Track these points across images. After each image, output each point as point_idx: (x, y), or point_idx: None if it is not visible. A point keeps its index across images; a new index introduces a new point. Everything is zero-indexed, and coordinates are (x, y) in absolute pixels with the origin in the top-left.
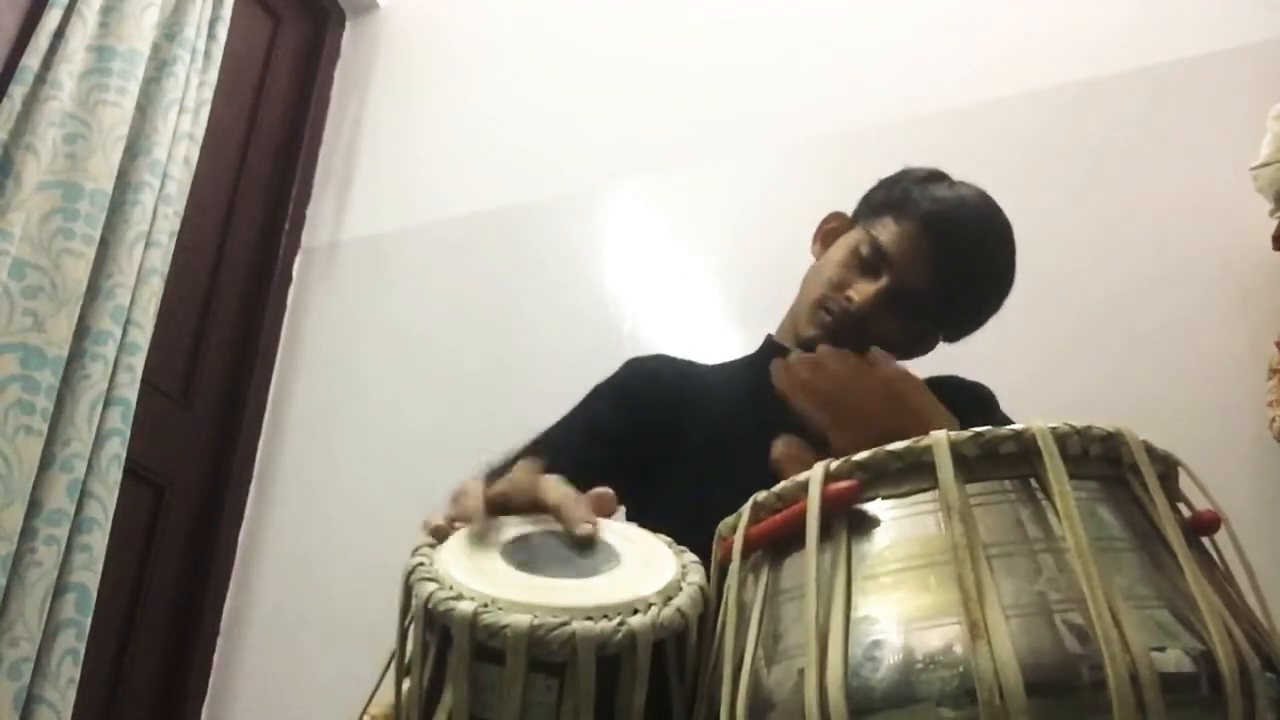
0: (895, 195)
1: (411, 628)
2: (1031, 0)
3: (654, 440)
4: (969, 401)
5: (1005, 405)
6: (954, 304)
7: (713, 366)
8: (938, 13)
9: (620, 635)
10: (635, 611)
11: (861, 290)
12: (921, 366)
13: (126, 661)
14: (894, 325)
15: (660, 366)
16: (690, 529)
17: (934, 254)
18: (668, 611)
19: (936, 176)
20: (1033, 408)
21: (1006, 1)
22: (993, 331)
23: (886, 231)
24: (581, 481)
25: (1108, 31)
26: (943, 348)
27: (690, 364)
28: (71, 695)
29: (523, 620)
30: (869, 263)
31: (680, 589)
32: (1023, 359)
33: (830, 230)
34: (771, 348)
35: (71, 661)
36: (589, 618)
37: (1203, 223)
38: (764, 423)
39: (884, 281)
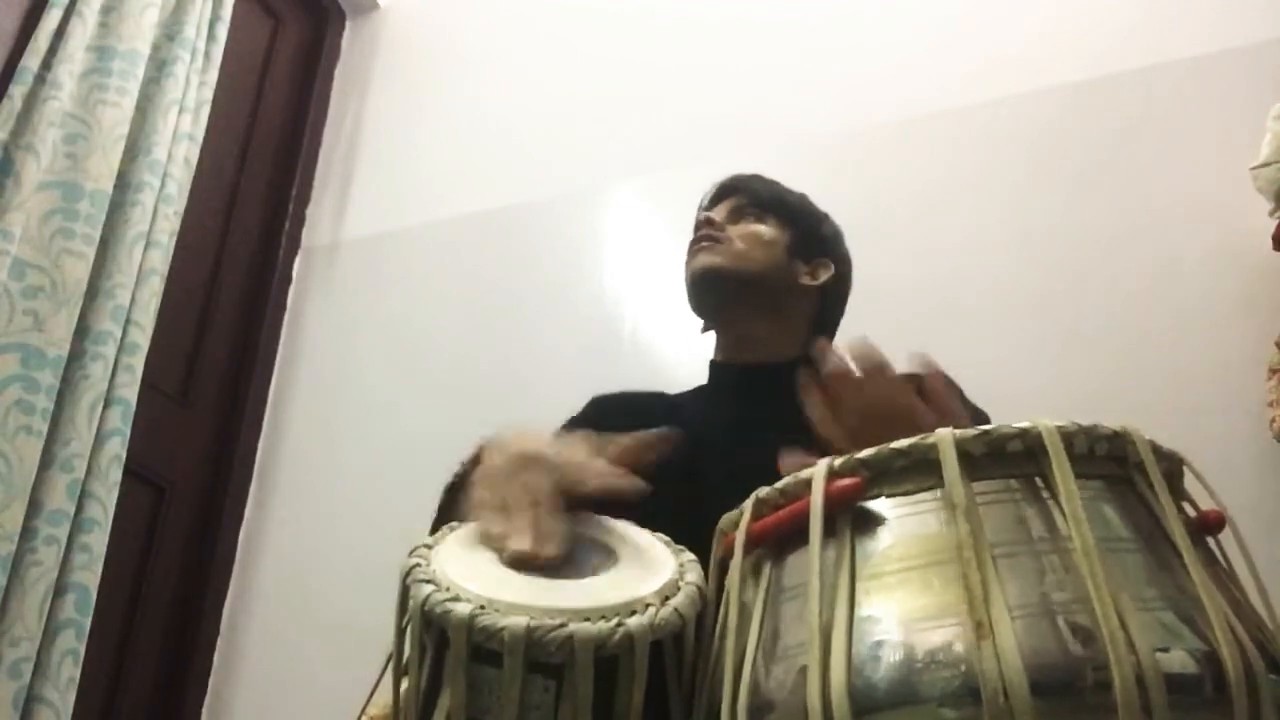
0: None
1: (409, 629)
2: (1031, 0)
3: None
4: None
5: (1006, 405)
6: (761, 198)
7: (675, 396)
8: (938, 13)
9: (618, 636)
10: (633, 612)
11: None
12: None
13: (126, 661)
14: (745, 226)
15: (628, 399)
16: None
17: (732, 183)
18: (665, 612)
19: None
20: (1033, 407)
21: (1006, 1)
22: (994, 331)
23: (700, 214)
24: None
25: (1108, 31)
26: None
27: (654, 395)
28: (71, 695)
29: (520, 622)
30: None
31: (678, 589)
32: (1023, 358)
33: None
34: (715, 369)
35: (71, 661)
36: (586, 619)
37: (1203, 223)
38: (734, 447)
39: (717, 205)
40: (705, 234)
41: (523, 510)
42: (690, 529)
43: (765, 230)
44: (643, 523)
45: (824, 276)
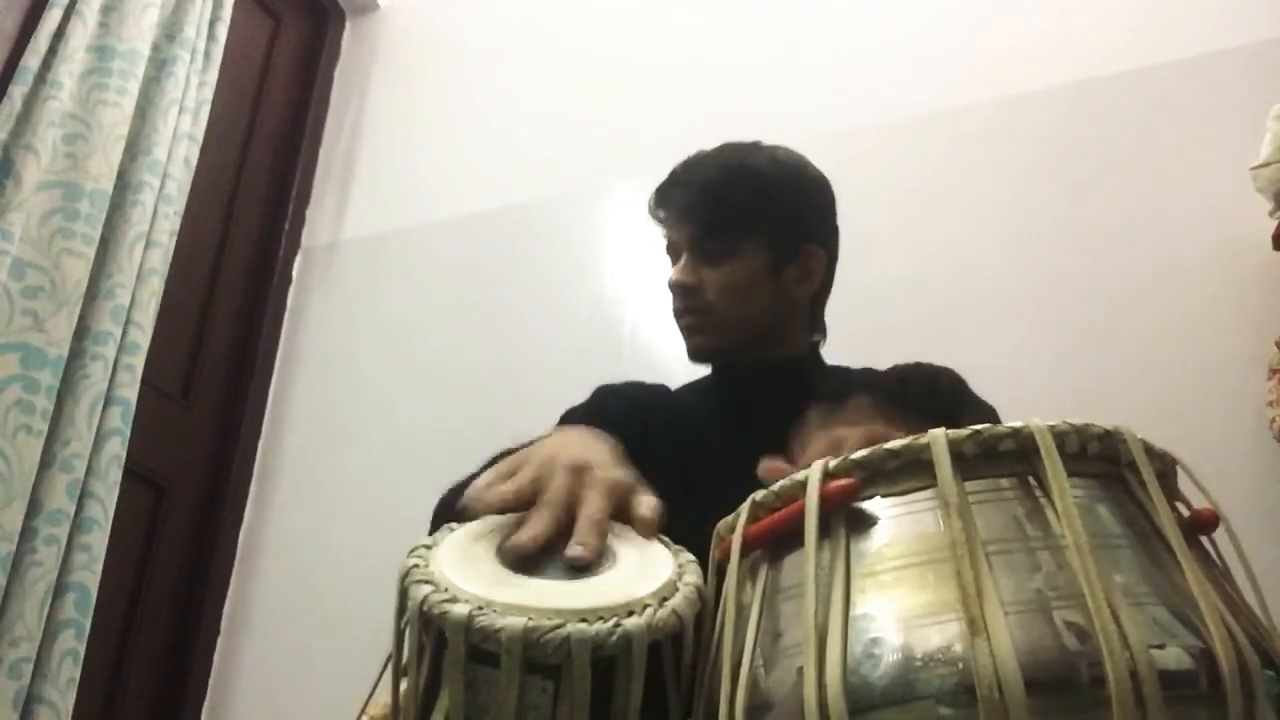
0: (649, 205)
1: (407, 629)
2: (1031, 0)
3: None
4: (941, 390)
5: (1006, 405)
6: (735, 218)
7: (678, 391)
8: (938, 13)
9: (615, 637)
10: (631, 613)
11: (670, 277)
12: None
13: (126, 661)
14: (720, 275)
15: (630, 390)
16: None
17: (679, 206)
18: (663, 613)
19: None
20: (1033, 407)
21: (1006, 1)
22: (994, 331)
23: (664, 232)
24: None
25: (1108, 31)
26: (942, 350)
27: (657, 388)
28: (71, 695)
29: (517, 623)
30: (673, 256)
31: (676, 589)
32: (1023, 358)
33: None
34: (719, 368)
35: (71, 661)
36: (584, 620)
37: (1203, 223)
38: (736, 446)
39: (684, 255)
40: (685, 312)
41: (555, 505)
42: (692, 528)
43: (741, 271)
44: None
45: (816, 268)
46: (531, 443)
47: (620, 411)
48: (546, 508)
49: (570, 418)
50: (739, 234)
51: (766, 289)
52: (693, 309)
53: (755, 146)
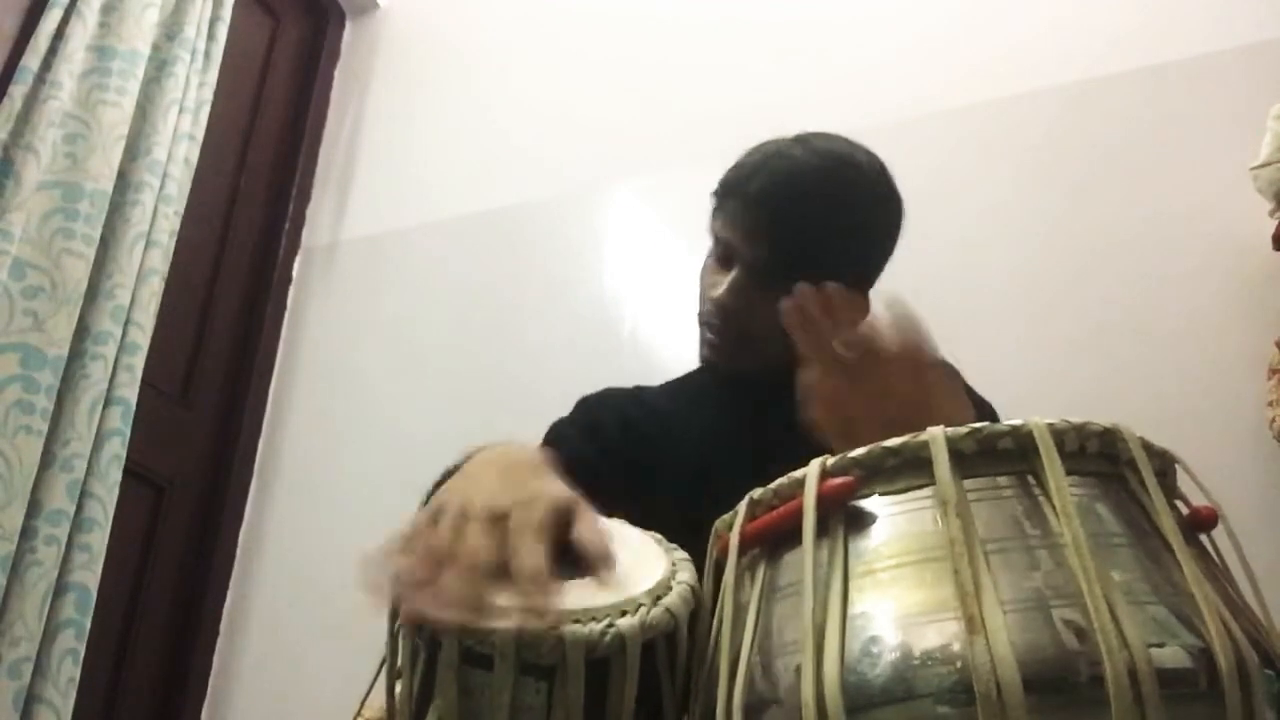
0: (716, 191)
1: (401, 632)
2: (1031, 0)
3: (624, 472)
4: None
5: (1006, 404)
6: (814, 259)
7: (663, 386)
8: (938, 13)
9: (609, 637)
10: (624, 613)
11: (718, 286)
12: None
13: (126, 661)
14: (770, 308)
15: (611, 396)
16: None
17: (760, 218)
18: (656, 612)
19: (767, 147)
20: (1033, 407)
21: (1006, 2)
22: (993, 331)
23: (721, 222)
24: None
25: (1108, 31)
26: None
27: (640, 390)
28: (71, 695)
29: (510, 625)
30: (722, 259)
31: (670, 588)
32: (1023, 358)
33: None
34: (714, 370)
35: (71, 661)
36: (577, 620)
37: (1203, 223)
38: (722, 439)
39: (735, 269)
40: (715, 330)
41: (478, 571)
42: (689, 530)
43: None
44: (642, 524)
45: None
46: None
47: (608, 420)
48: (472, 567)
49: (560, 430)
50: (812, 275)
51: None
52: (724, 333)
53: (860, 166)
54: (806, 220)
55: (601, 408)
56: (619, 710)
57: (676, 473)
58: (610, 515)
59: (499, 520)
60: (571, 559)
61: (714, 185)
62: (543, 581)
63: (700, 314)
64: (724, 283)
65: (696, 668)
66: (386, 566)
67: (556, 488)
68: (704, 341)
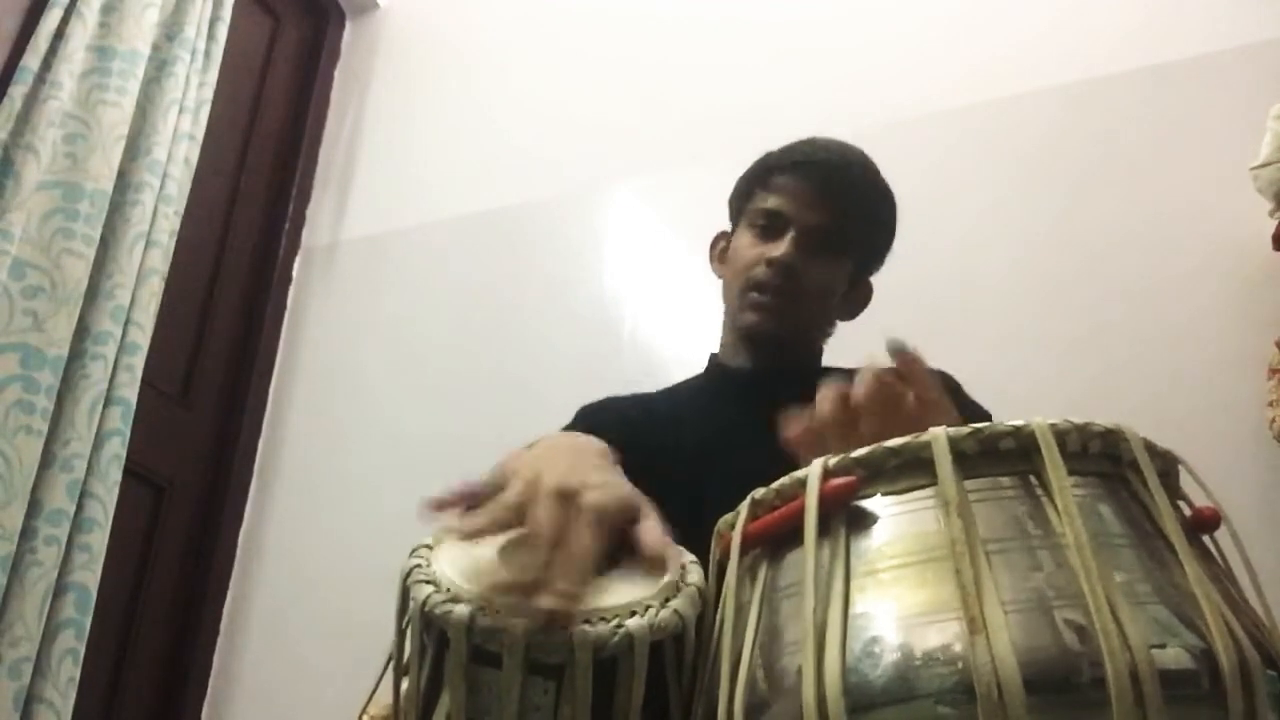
0: (754, 175)
1: (409, 629)
2: (1031, 0)
3: (624, 468)
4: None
5: (1007, 405)
6: (854, 227)
7: (661, 395)
8: (938, 13)
9: (617, 637)
10: (633, 613)
11: (775, 249)
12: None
13: (126, 661)
14: (820, 271)
15: (614, 406)
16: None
17: (817, 188)
18: (665, 613)
19: (799, 143)
20: (1033, 406)
21: (1006, 1)
22: (994, 331)
23: (769, 198)
24: None
25: (1108, 31)
26: (942, 349)
27: (639, 398)
28: (71, 695)
29: (519, 623)
30: (770, 229)
31: (678, 590)
32: (1024, 358)
33: (723, 246)
34: (718, 370)
35: (71, 661)
36: (586, 620)
37: (1203, 223)
38: (727, 443)
39: (791, 231)
40: (775, 291)
41: (542, 542)
42: (695, 531)
43: (836, 277)
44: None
45: (865, 298)
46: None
47: (608, 426)
48: (534, 545)
49: None
50: (848, 242)
51: (834, 301)
52: (784, 291)
53: (878, 170)
54: (851, 198)
55: (601, 413)
56: (626, 710)
57: (678, 474)
58: None
59: (567, 499)
60: (608, 559)
61: (735, 186)
62: (584, 570)
63: (746, 282)
64: (782, 244)
65: (701, 670)
66: (442, 517)
67: (625, 483)
68: (752, 306)
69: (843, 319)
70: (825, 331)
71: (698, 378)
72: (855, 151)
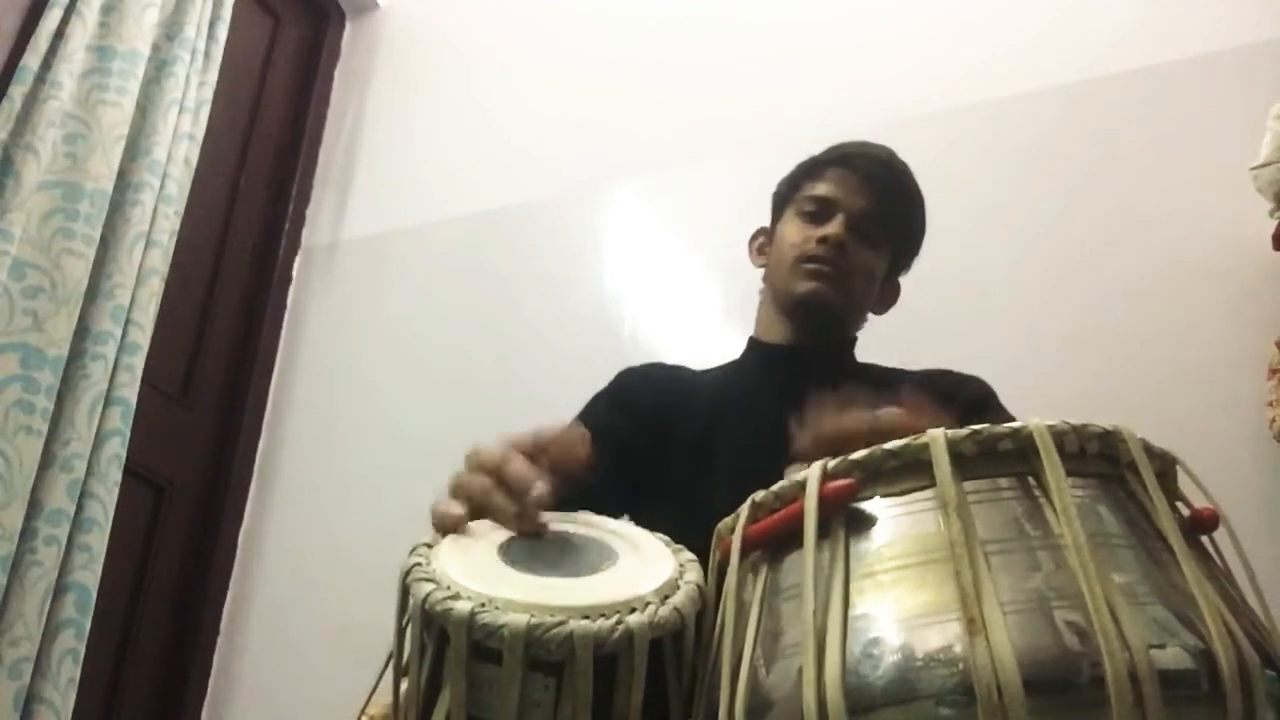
0: (801, 171)
1: (409, 627)
2: (1031, 0)
3: (655, 441)
4: (969, 395)
5: (1007, 404)
6: (896, 219)
7: (703, 371)
8: (938, 13)
9: (618, 634)
10: (632, 610)
11: (827, 229)
12: (923, 361)
13: (126, 661)
14: (866, 254)
15: (653, 371)
16: (691, 529)
17: (864, 178)
18: (665, 610)
19: (833, 146)
20: (1033, 407)
21: (1006, 1)
22: (993, 331)
23: (818, 186)
24: (584, 484)
25: (1108, 31)
26: (943, 349)
27: (681, 369)
28: (71, 695)
29: (520, 620)
30: (818, 214)
31: (678, 588)
32: (1024, 358)
33: (762, 241)
34: (757, 347)
35: (71, 661)
36: (586, 617)
37: (1203, 223)
38: (760, 424)
39: (840, 215)
40: (830, 263)
41: (487, 490)
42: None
43: (879, 262)
44: (656, 504)
45: (894, 297)
46: None
47: (643, 395)
48: (481, 489)
49: (598, 399)
50: (889, 235)
51: (872, 290)
52: (835, 264)
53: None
54: (894, 191)
55: (634, 374)
56: (626, 708)
57: (702, 441)
58: (633, 482)
59: (491, 451)
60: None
61: (779, 185)
62: (525, 489)
63: (799, 257)
64: (833, 225)
65: (701, 668)
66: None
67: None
68: (808, 275)
69: (876, 313)
70: (861, 319)
71: (736, 360)
72: (895, 156)
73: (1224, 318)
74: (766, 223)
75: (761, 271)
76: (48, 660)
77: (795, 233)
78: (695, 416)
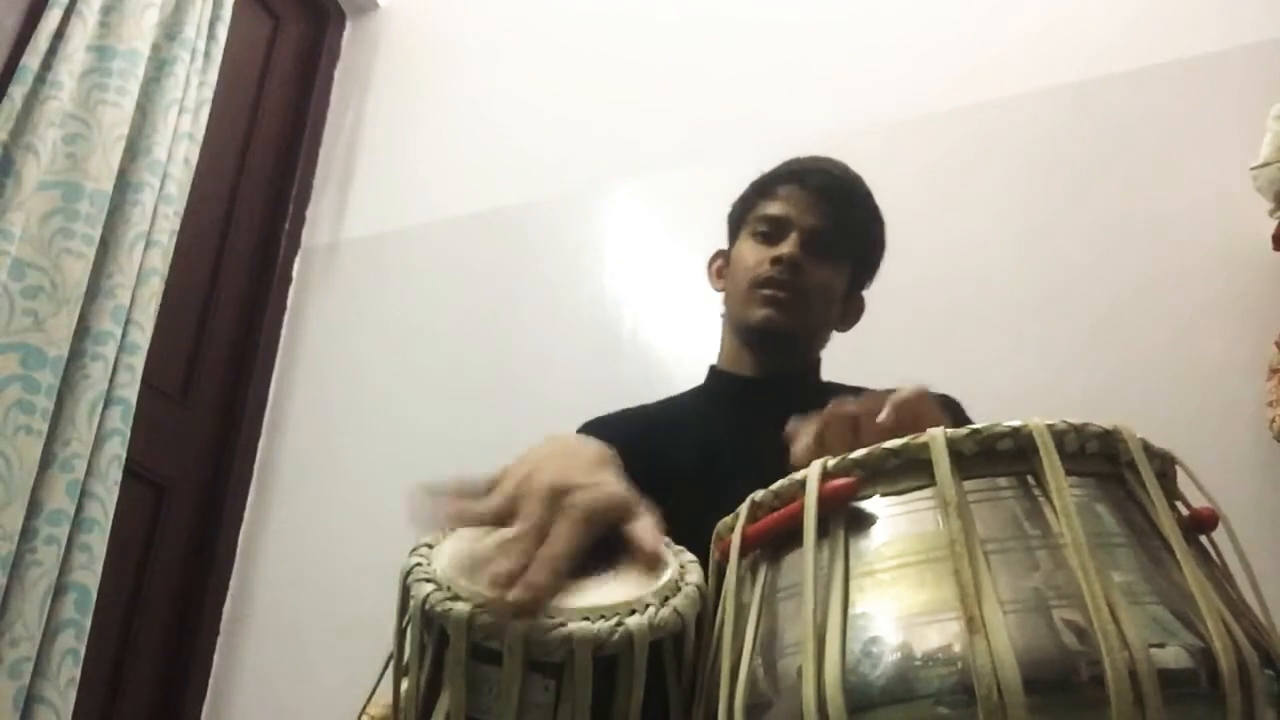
0: (753, 191)
1: (409, 628)
2: (1031, 0)
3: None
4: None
5: (1007, 404)
6: (850, 234)
7: (662, 403)
8: (938, 13)
9: (617, 636)
10: (633, 612)
11: (779, 249)
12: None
13: (126, 661)
14: (822, 272)
15: (611, 416)
16: None
17: (816, 195)
18: (665, 612)
19: (800, 159)
20: (1032, 407)
21: (1006, 2)
22: (993, 331)
23: (771, 205)
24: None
25: (1108, 31)
26: (943, 349)
27: (637, 409)
28: (71, 695)
29: (519, 620)
30: (772, 234)
31: (678, 589)
32: (1023, 358)
33: (720, 263)
34: (719, 377)
35: (71, 661)
36: (586, 618)
37: (1203, 223)
38: (728, 449)
39: (793, 233)
40: (783, 286)
41: (526, 536)
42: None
43: (833, 281)
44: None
45: (858, 313)
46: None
47: (611, 437)
48: (518, 540)
49: None
50: (846, 250)
51: (836, 303)
52: (791, 286)
53: (864, 183)
54: (847, 207)
55: (602, 426)
56: (626, 710)
57: (679, 481)
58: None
59: (555, 496)
60: (607, 559)
61: (734, 204)
62: (555, 566)
63: (753, 281)
64: (786, 244)
65: (701, 669)
66: (433, 505)
67: (619, 483)
68: (762, 301)
69: (839, 330)
70: (823, 339)
71: (698, 388)
72: (849, 170)
73: (1224, 318)
74: None
75: (721, 296)
76: (48, 660)
77: (750, 254)
78: (661, 457)
